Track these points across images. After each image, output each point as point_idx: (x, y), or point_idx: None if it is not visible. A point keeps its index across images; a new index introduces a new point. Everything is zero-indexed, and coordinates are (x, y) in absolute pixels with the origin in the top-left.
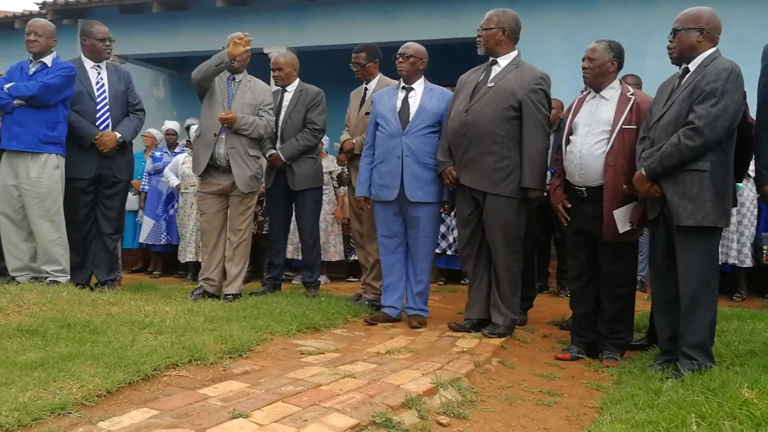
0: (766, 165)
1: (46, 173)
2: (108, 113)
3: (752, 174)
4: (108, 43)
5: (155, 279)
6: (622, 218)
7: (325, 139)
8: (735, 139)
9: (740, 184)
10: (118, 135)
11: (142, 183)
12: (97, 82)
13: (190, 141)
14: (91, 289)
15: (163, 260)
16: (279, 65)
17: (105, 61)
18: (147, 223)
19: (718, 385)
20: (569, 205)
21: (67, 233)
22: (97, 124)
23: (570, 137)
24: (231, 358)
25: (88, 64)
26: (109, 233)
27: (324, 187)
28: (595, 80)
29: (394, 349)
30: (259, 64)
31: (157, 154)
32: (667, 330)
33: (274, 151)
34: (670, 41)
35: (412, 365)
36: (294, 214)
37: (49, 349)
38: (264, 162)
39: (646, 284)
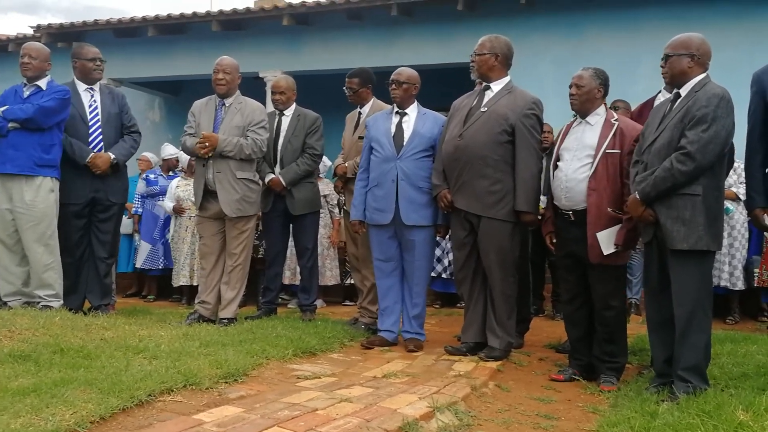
0: (756, 189)
1: (40, 197)
2: (100, 136)
3: (743, 197)
4: (98, 63)
5: (150, 303)
6: (606, 240)
7: (325, 163)
8: (726, 163)
9: (731, 207)
10: (112, 156)
11: (135, 206)
12: (90, 105)
13: (184, 168)
14: (85, 314)
15: (157, 284)
16: (281, 89)
17: (98, 83)
18: (143, 248)
19: (713, 407)
20: (554, 240)
21: (61, 258)
22: (89, 147)
23: (558, 163)
24: (226, 382)
25: (81, 86)
26: (104, 257)
27: (320, 210)
28: (582, 106)
29: (391, 373)
30: (254, 88)
31: (152, 177)
32: (662, 353)
33: (273, 176)
34: (662, 66)
35: (408, 389)
36: (292, 237)
37: (42, 375)
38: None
39: (640, 307)
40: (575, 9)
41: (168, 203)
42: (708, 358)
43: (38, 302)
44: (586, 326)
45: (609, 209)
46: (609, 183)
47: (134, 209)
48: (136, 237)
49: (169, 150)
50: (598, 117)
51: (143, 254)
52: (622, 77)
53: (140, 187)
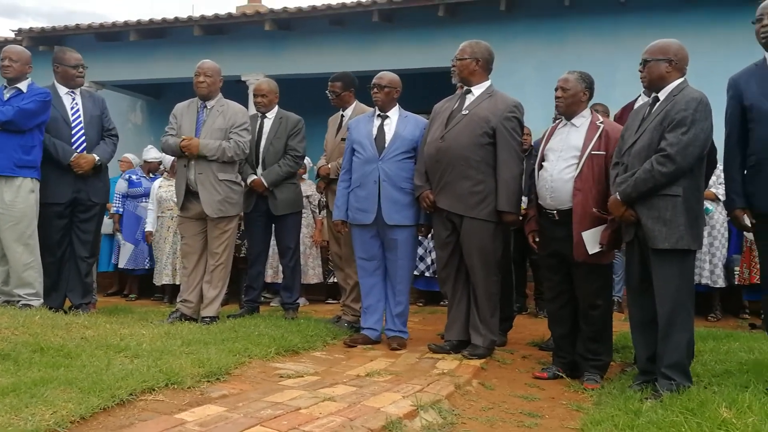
0: (735, 190)
1: (20, 197)
2: (83, 137)
3: (722, 198)
4: (81, 70)
5: (131, 302)
6: (591, 240)
7: (308, 164)
8: (705, 164)
9: (710, 208)
10: (96, 157)
11: (115, 205)
12: (72, 107)
13: (167, 170)
14: (65, 313)
15: (139, 283)
16: (262, 91)
17: (79, 88)
18: (126, 248)
19: (696, 405)
20: (537, 239)
21: (41, 257)
22: (73, 148)
23: (543, 163)
24: (209, 381)
25: (62, 90)
26: (85, 257)
27: (303, 210)
28: (568, 109)
29: (374, 372)
30: (236, 91)
31: (134, 177)
32: (645, 350)
33: (255, 177)
34: (641, 71)
35: (392, 388)
36: (274, 237)
37: (22, 374)
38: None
39: (623, 305)
40: (555, 15)
41: (150, 222)
42: (691, 355)
43: (18, 301)
44: (570, 324)
45: (594, 209)
46: (594, 183)
47: (114, 209)
48: (118, 236)
49: (153, 153)
50: (583, 119)
51: (126, 254)
52: (601, 81)
53: (121, 186)
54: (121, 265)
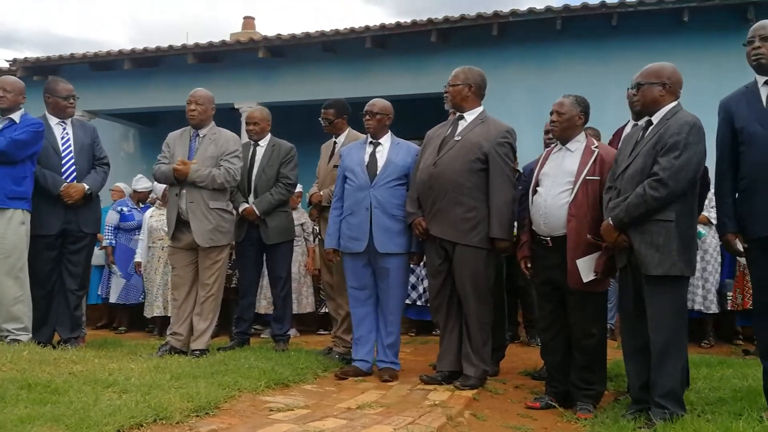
0: (727, 214)
1: (11, 229)
2: (74, 166)
3: (714, 222)
4: (72, 101)
5: (121, 335)
6: (585, 267)
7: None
8: (698, 189)
9: (703, 231)
10: (86, 186)
11: (107, 237)
12: (62, 137)
13: (158, 198)
14: (54, 347)
15: (128, 316)
16: (255, 119)
17: (70, 118)
18: (117, 282)
19: None
20: (529, 265)
21: (31, 290)
22: (63, 178)
23: (537, 188)
24: (198, 416)
25: (53, 120)
26: (74, 289)
27: (296, 239)
28: (563, 133)
29: (365, 404)
30: (229, 119)
31: (125, 210)
32: (637, 379)
33: (247, 205)
34: (634, 94)
35: (383, 420)
36: (266, 266)
37: (8, 411)
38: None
39: (615, 332)
40: (546, 40)
41: (141, 246)
42: (686, 383)
43: (6, 336)
44: (563, 353)
45: (588, 236)
46: (589, 209)
47: (107, 241)
48: (114, 268)
49: (143, 183)
50: (578, 144)
51: (117, 288)
52: (592, 106)
53: (112, 218)
54: (112, 300)
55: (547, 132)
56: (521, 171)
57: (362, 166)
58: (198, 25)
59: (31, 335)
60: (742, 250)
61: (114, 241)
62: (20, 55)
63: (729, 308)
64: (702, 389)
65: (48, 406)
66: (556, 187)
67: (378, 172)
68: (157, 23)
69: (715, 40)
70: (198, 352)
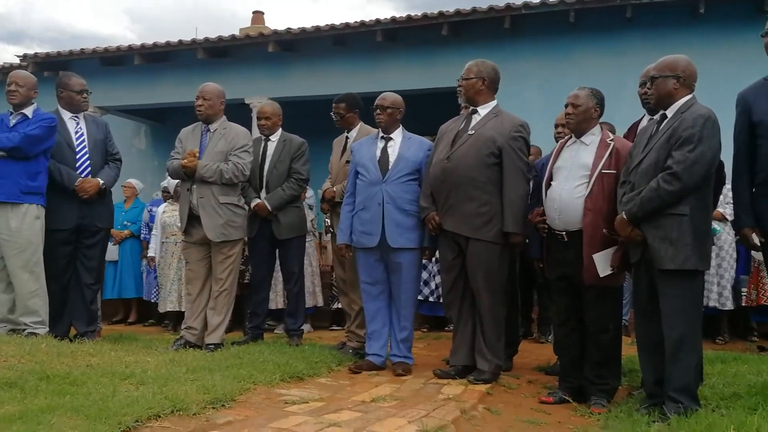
0: (744, 209)
1: (26, 224)
2: (88, 161)
3: (729, 218)
4: (86, 95)
5: (139, 329)
6: (602, 262)
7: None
8: (713, 183)
9: (718, 228)
10: (101, 181)
11: (143, 233)
12: (76, 132)
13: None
14: (71, 341)
15: (139, 309)
16: (266, 114)
17: (83, 112)
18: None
19: (704, 427)
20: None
21: (46, 284)
22: (77, 173)
23: (551, 182)
24: (214, 408)
25: (66, 115)
26: (90, 283)
27: (307, 235)
28: (578, 126)
29: (379, 397)
30: (240, 114)
31: (155, 209)
32: (652, 374)
33: (259, 201)
34: (648, 88)
35: (397, 413)
36: (279, 261)
37: (28, 402)
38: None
39: (629, 328)
40: (559, 33)
41: (154, 241)
42: (700, 378)
43: (24, 329)
44: (578, 349)
45: (604, 230)
46: (605, 203)
47: (143, 236)
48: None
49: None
50: (593, 137)
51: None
52: (606, 99)
53: (146, 216)
54: (145, 297)
55: (557, 125)
56: (534, 165)
57: (374, 161)
58: (209, 18)
59: (47, 328)
60: (759, 244)
61: (149, 237)
62: (30, 51)
63: (743, 304)
64: (716, 384)
65: (67, 397)
66: (571, 181)
67: (390, 168)
68: (165, 19)
69: (731, 33)
70: (212, 346)
